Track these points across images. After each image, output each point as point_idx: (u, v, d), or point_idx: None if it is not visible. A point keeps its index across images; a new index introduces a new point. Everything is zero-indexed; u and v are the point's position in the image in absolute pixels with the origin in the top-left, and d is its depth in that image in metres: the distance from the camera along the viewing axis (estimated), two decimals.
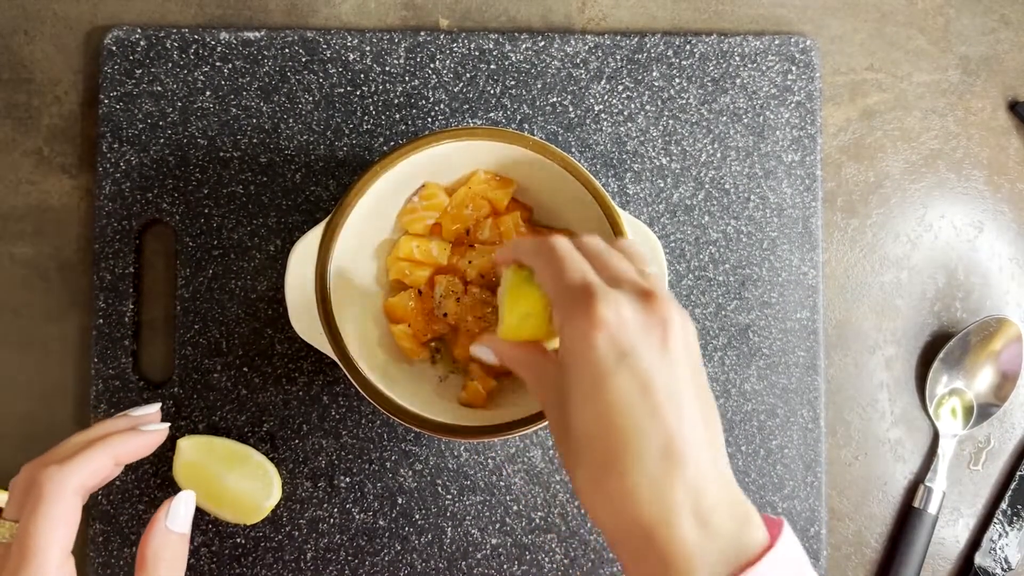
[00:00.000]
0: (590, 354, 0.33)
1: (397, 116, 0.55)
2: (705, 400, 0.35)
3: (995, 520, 0.56)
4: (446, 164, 0.48)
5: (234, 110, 0.55)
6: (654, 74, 0.56)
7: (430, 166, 0.48)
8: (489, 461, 0.55)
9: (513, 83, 0.56)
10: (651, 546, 0.32)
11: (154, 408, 0.45)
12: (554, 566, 0.54)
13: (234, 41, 0.55)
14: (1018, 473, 0.56)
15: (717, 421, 0.35)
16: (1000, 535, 0.56)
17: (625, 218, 0.46)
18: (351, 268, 0.48)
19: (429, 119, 0.55)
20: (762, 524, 0.33)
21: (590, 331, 0.33)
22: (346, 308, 0.47)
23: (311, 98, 0.55)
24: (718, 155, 0.56)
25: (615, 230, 0.46)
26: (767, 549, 0.32)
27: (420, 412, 0.46)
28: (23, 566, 0.37)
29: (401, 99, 0.55)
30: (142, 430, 0.43)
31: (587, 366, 0.33)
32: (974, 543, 0.57)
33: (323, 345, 0.47)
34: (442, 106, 0.55)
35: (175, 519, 0.40)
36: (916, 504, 0.55)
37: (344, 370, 0.46)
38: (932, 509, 0.55)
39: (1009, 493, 0.56)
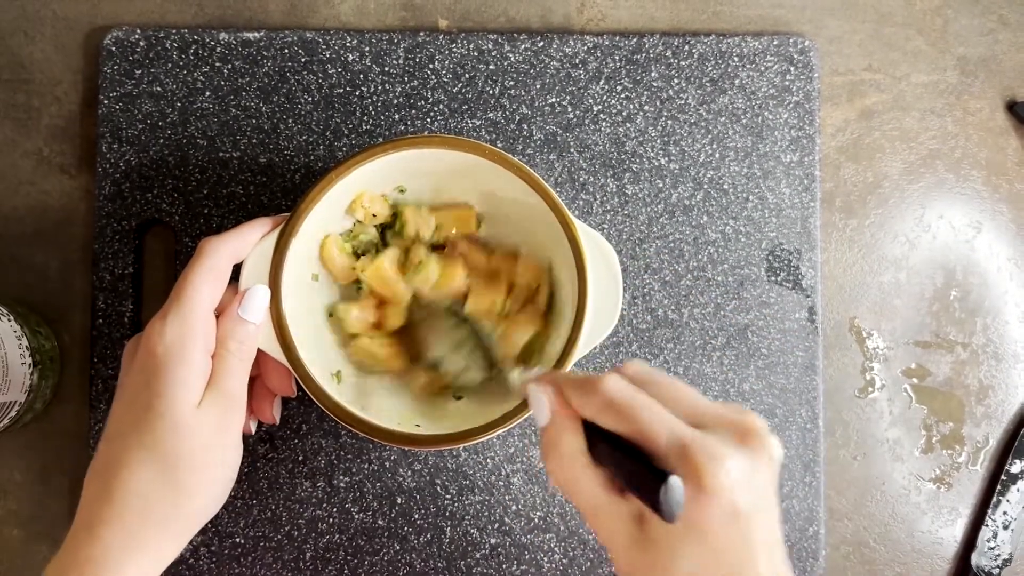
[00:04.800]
0: (701, 520, 0.33)
1: (396, 116, 0.55)
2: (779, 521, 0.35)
3: (987, 520, 0.56)
4: (404, 171, 0.48)
5: (234, 110, 0.55)
6: (653, 74, 0.56)
7: (388, 172, 0.48)
8: (488, 461, 0.55)
9: (512, 83, 0.56)
10: None
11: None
12: (553, 565, 0.54)
13: (233, 41, 0.55)
14: (1004, 471, 0.56)
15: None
16: (994, 534, 0.56)
17: (581, 228, 0.45)
18: (304, 274, 0.48)
19: (428, 119, 0.55)
20: None
21: (704, 501, 0.32)
22: (301, 312, 0.47)
23: (310, 98, 0.55)
24: (717, 155, 0.56)
25: (571, 241, 0.45)
26: None
27: (374, 421, 0.45)
28: (175, 307, 0.42)
29: (400, 99, 0.55)
30: (276, 216, 0.47)
31: (695, 527, 0.33)
32: (970, 543, 0.57)
33: (279, 355, 0.46)
34: (441, 106, 0.55)
35: (246, 308, 0.44)
36: None
37: (299, 380, 0.45)
38: None
39: (997, 493, 0.56)
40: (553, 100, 0.56)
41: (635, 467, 0.34)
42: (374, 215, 0.49)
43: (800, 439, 0.55)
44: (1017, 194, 0.58)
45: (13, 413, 0.51)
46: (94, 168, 0.55)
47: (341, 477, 0.54)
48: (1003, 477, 0.57)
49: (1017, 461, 0.57)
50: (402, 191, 0.50)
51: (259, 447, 0.54)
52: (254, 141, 0.55)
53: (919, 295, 0.58)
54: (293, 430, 0.54)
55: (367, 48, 0.55)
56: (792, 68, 0.56)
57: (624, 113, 0.56)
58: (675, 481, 0.32)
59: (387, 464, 0.54)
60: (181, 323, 0.41)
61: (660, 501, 0.32)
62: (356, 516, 0.54)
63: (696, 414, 0.35)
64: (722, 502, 0.32)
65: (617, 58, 0.56)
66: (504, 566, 0.54)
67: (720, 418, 0.35)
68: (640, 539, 0.34)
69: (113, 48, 0.55)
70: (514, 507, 0.54)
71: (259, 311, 0.44)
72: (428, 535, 0.54)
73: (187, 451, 0.40)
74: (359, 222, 0.50)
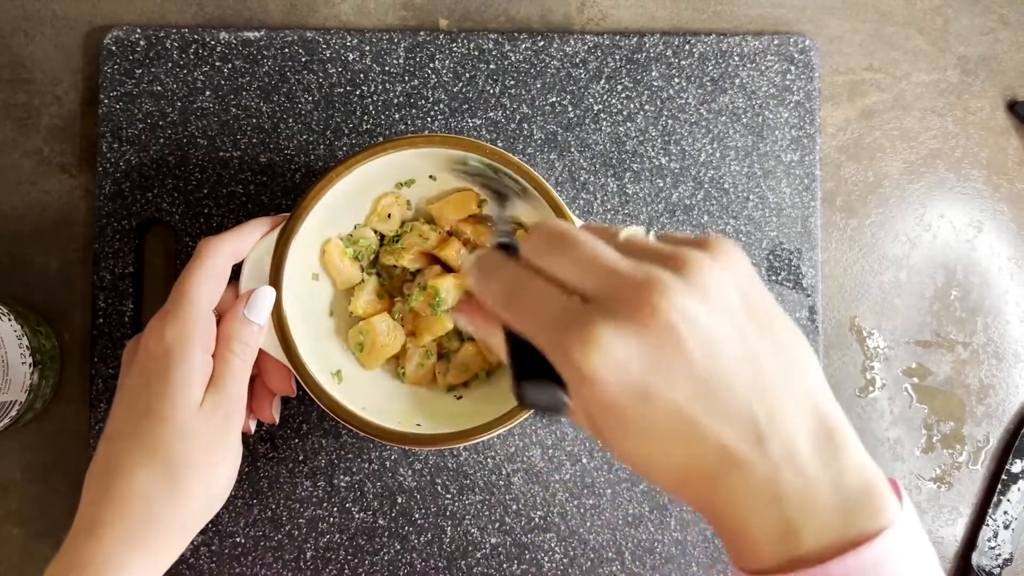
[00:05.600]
0: (610, 407, 0.29)
1: (397, 116, 0.55)
2: (776, 342, 0.30)
3: (987, 520, 0.56)
4: (403, 170, 0.48)
5: (234, 110, 0.55)
6: (653, 74, 0.56)
7: (388, 171, 0.48)
8: (488, 460, 0.55)
9: (512, 83, 0.56)
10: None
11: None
12: (553, 565, 0.54)
13: (234, 41, 0.55)
14: (1004, 470, 0.56)
15: (792, 357, 0.30)
16: (994, 533, 0.56)
17: None
18: (304, 273, 0.48)
19: (429, 119, 0.55)
20: (882, 504, 0.30)
21: (590, 390, 0.29)
22: (301, 312, 0.47)
23: (311, 98, 0.55)
24: (717, 155, 0.56)
25: None
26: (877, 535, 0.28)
27: (375, 420, 0.45)
28: (175, 307, 0.42)
29: (401, 99, 0.55)
30: (275, 216, 0.47)
31: (612, 414, 0.29)
32: (971, 543, 0.57)
33: (280, 355, 0.46)
34: (441, 106, 0.55)
35: (252, 310, 0.44)
36: None
37: (299, 379, 0.46)
38: None
39: (997, 492, 0.56)
40: (553, 99, 0.56)
41: (517, 368, 0.32)
42: (389, 216, 0.50)
43: None
44: (1018, 193, 0.58)
45: (13, 413, 0.51)
46: (94, 167, 0.55)
47: (341, 476, 0.54)
48: (1004, 476, 0.57)
49: (1018, 460, 0.57)
50: (410, 184, 0.50)
51: (260, 446, 0.54)
52: (254, 140, 0.55)
53: (920, 294, 0.58)
54: (294, 429, 0.54)
55: (367, 47, 0.55)
56: (793, 67, 0.56)
57: (624, 112, 0.56)
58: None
59: (387, 464, 0.54)
60: (181, 324, 0.41)
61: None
62: (356, 516, 0.54)
63: (600, 278, 0.30)
64: (611, 386, 0.28)
65: (617, 57, 0.56)
66: (504, 566, 0.54)
67: (618, 284, 0.30)
68: (589, 423, 0.32)
69: (113, 47, 0.55)
70: (514, 507, 0.54)
71: (265, 313, 0.44)
72: (428, 535, 0.54)
73: (188, 452, 0.40)
74: (358, 227, 0.50)
